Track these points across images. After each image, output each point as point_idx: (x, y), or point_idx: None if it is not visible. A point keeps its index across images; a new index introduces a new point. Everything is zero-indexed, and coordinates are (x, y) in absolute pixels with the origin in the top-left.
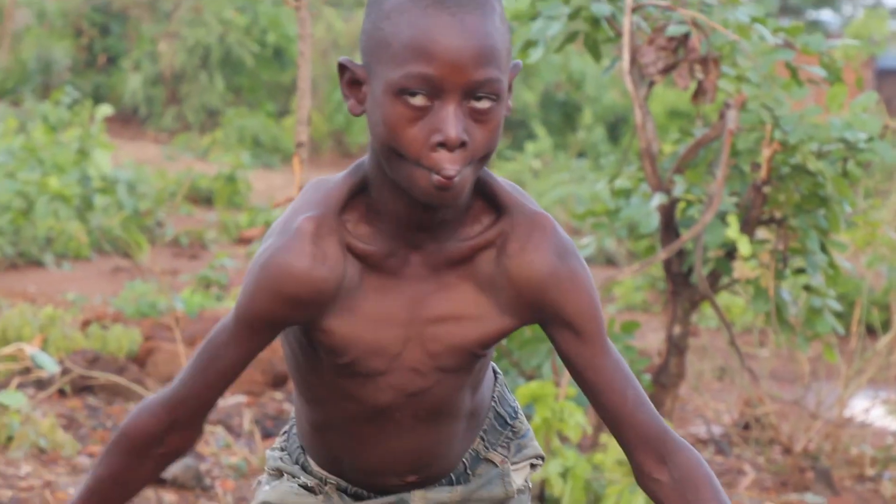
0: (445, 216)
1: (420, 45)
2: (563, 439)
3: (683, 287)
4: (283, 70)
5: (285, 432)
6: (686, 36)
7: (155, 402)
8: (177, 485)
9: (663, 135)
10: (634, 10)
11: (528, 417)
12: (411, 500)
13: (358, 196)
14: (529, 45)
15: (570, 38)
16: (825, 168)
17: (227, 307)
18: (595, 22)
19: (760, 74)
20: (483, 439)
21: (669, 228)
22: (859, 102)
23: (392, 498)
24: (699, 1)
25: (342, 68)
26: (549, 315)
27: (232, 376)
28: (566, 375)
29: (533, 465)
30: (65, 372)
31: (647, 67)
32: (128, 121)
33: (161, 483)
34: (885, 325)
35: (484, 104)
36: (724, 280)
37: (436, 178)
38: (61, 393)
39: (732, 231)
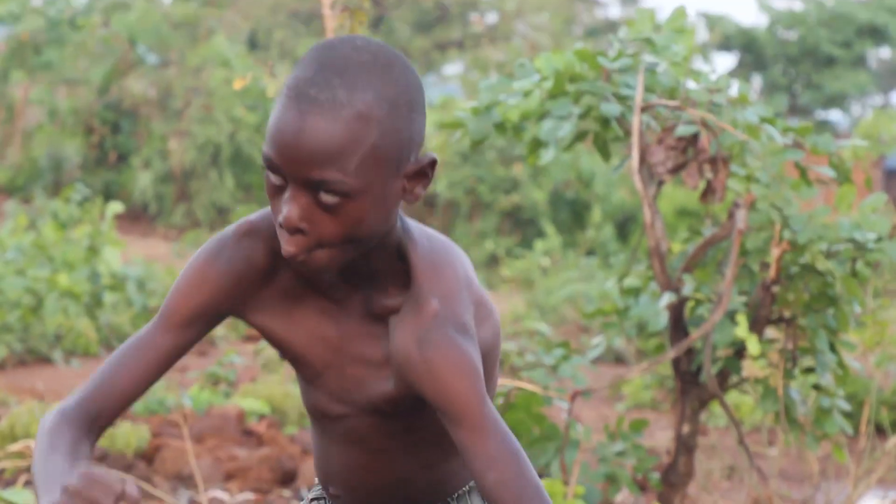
0: (366, 270)
1: (271, 133)
2: None
3: (692, 385)
4: None
5: None
6: (695, 136)
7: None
8: None
9: (672, 234)
10: (644, 109)
11: None
12: None
13: None
14: (539, 145)
15: (580, 136)
16: (834, 268)
17: (236, 404)
18: (605, 122)
19: (770, 174)
20: None
21: (678, 327)
22: (868, 203)
23: None
24: (708, 101)
25: None
26: (415, 391)
27: (156, 372)
28: (575, 474)
29: None
30: None
31: (657, 167)
32: (138, 218)
33: None
34: (895, 425)
35: (329, 198)
36: (733, 379)
37: (282, 249)
38: None
39: (741, 330)
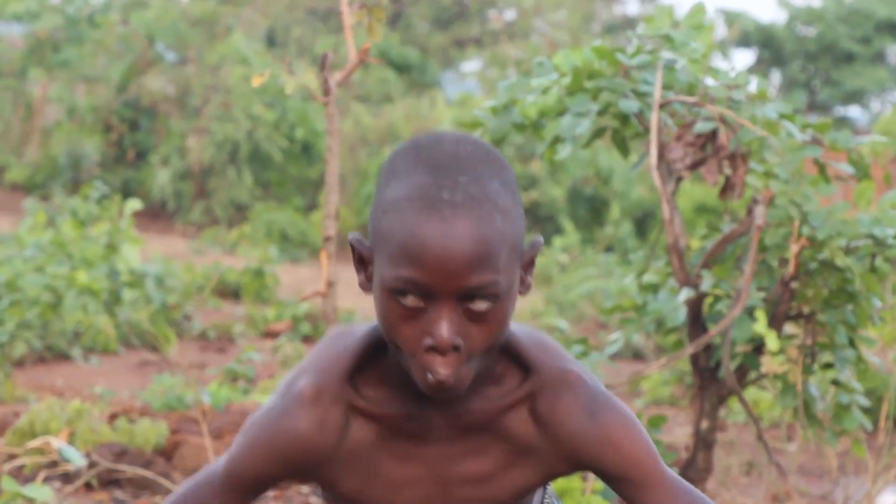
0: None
1: (410, 250)
2: None
3: (711, 381)
4: (311, 165)
5: None
6: (714, 132)
7: None
8: None
9: (691, 230)
10: (662, 106)
11: None
12: None
13: (377, 355)
14: (557, 141)
15: (598, 133)
16: (853, 264)
17: (254, 401)
18: (623, 118)
19: (788, 170)
20: None
21: (697, 323)
22: (887, 199)
23: None
24: (727, 97)
25: (352, 246)
26: (591, 469)
27: None
28: None
29: None
30: (92, 465)
31: (675, 163)
32: (156, 215)
33: None
34: None
35: (480, 305)
36: (752, 375)
37: (430, 378)
38: (88, 486)
39: (760, 326)
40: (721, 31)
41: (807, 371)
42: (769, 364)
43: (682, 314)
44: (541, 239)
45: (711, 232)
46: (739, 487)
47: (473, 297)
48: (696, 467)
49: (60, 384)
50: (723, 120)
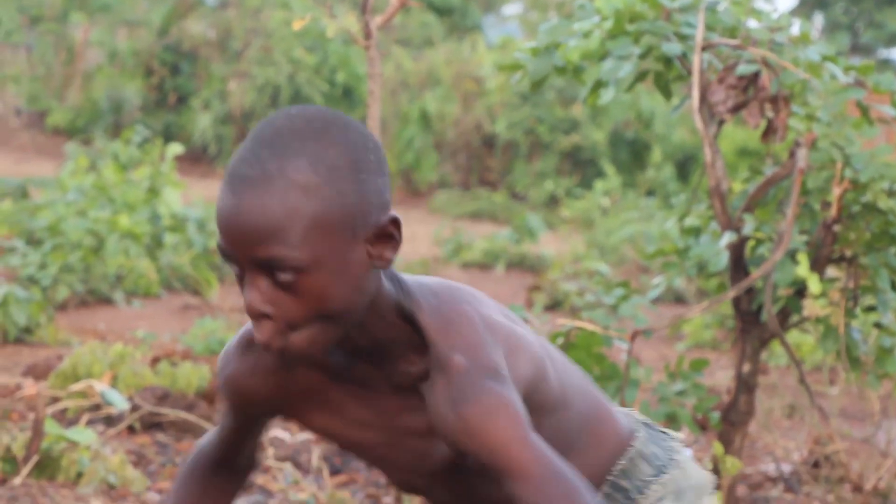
0: (372, 344)
1: (216, 220)
2: None
3: (753, 325)
4: (352, 109)
5: None
6: (756, 74)
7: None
8: None
9: (733, 173)
10: (704, 48)
11: None
12: None
13: None
14: (600, 85)
15: (640, 77)
16: None
17: None
18: (666, 61)
19: (831, 113)
20: None
21: (739, 267)
22: None
23: None
24: (769, 40)
25: None
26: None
27: (245, 433)
28: None
29: None
30: (134, 409)
31: (717, 106)
32: (197, 159)
33: None
34: None
35: (284, 277)
36: (794, 318)
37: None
38: (131, 429)
39: (802, 269)
40: None
41: (849, 314)
42: (811, 307)
43: (724, 258)
44: (394, 214)
45: (753, 175)
46: (781, 430)
47: (273, 269)
48: (737, 410)
49: (102, 328)
50: (765, 62)
